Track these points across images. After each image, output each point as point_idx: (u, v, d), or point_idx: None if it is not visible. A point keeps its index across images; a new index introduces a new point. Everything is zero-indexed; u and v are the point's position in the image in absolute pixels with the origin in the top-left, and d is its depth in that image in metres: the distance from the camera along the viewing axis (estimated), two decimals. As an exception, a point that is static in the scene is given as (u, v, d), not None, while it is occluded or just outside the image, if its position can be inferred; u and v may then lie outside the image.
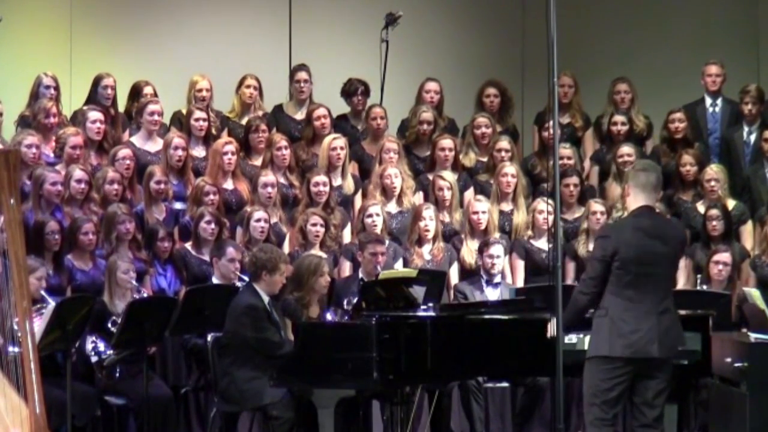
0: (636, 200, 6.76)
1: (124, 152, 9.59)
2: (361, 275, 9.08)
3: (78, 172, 9.16)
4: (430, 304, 8.10)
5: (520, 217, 9.82)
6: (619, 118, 10.52)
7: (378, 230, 9.41)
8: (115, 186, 9.30)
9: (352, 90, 10.70)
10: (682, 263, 9.62)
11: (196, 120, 10.07)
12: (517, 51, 12.13)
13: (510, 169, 9.91)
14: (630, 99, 10.71)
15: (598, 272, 6.67)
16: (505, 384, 9.14)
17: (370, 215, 9.47)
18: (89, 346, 8.22)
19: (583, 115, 10.76)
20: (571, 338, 7.33)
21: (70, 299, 8.29)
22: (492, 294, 9.20)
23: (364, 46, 11.39)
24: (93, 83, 10.23)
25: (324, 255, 9.15)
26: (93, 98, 10.19)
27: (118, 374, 8.35)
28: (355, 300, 8.20)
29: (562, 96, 10.44)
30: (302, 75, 10.66)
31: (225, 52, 11.59)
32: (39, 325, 7.47)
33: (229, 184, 9.79)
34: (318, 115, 10.28)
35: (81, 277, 8.82)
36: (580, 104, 10.66)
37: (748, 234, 9.95)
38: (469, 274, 9.53)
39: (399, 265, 9.42)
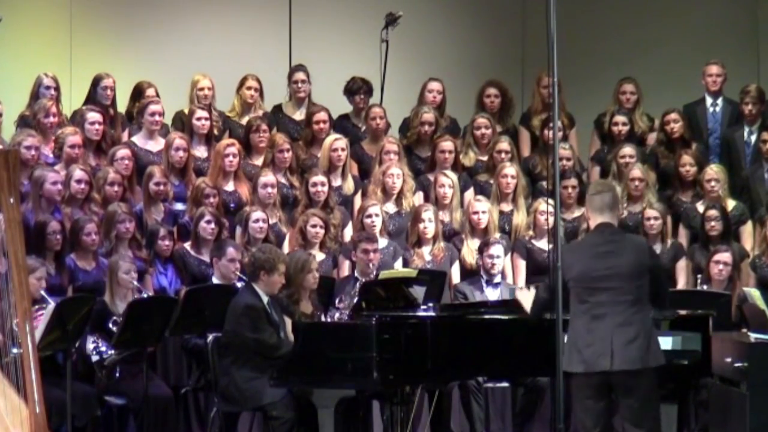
0: (595, 221, 6.88)
1: (122, 152, 9.59)
2: (356, 274, 9.09)
3: (78, 172, 9.17)
4: (430, 304, 8.11)
5: (520, 218, 9.83)
6: (620, 118, 10.52)
7: (377, 230, 9.42)
8: (116, 187, 9.30)
9: (355, 89, 10.71)
10: (683, 263, 9.64)
11: (198, 119, 10.07)
12: (517, 51, 12.14)
13: (510, 169, 9.91)
14: (635, 100, 10.71)
15: (539, 296, 7.03)
16: (505, 384, 9.14)
17: (370, 215, 9.47)
18: (90, 346, 8.22)
19: (568, 114, 10.73)
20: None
21: (70, 299, 8.29)
22: (492, 294, 9.20)
23: (364, 46, 11.39)
24: (92, 83, 10.23)
25: (318, 254, 9.15)
26: (92, 98, 10.19)
27: (118, 374, 8.35)
28: (347, 299, 8.21)
29: (547, 96, 10.43)
30: (300, 75, 10.66)
31: (225, 52, 11.59)
32: (39, 325, 7.47)
33: (230, 186, 9.79)
34: (318, 119, 10.27)
35: (84, 277, 8.82)
36: (564, 103, 10.60)
37: (748, 234, 9.95)
38: (469, 274, 9.54)
39: (399, 265, 9.43)
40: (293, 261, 8.48)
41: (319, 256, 9.19)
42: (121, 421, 8.52)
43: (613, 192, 6.98)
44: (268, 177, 9.63)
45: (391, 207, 9.87)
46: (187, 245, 9.28)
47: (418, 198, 10.02)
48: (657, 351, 6.75)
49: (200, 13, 11.90)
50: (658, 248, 9.61)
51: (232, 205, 9.74)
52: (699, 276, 9.31)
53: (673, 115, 10.46)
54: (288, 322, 8.27)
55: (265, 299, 8.12)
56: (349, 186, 10.05)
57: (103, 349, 8.22)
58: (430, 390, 8.55)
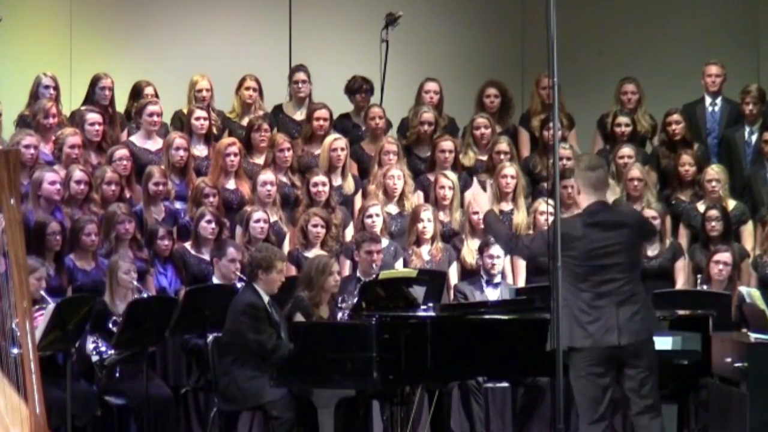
0: (588, 198, 6.87)
1: (121, 152, 9.59)
2: (358, 274, 9.10)
3: (78, 173, 9.17)
4: (430, 304, 8.10)
5: (520, 217, 9.83)
6: (622, 119, 10.51)
7: (378, 230, 9.42)
8: (113, 186, 9.30)
9: (356, 87, 10.72)
10: (681, 263, 9.64)
11: (197, 119, 10.08)
12: (517, 51, 12.14)
13: (509, 169, 9.91)
14: (636, 100, 10.71)
15: (536, 245, 6.98)
16: (505, 384, 9.14)
17: (370, 215, 9.48)
18: (90, 346, 8.22)
19: (567, 115, 10.72)
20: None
21: (70, 299, 8.29)
22: (492, 294, 9.20)
23: (364, 46, 11.40)
24: (90, 83, 10.23)
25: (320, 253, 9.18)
26: (91, 98, 10.20)
27: (118, 374, 8.35)
28: (350, 299, 8.21)
29: (546, 97, 10.42)
30: (300, 75, 10.67)
31: (225, 52, 11.60)
32: (39, 325, 7.48)
33: (231, 184, 9.80)
34: (318, 116, 10.28)
35: (83, 277, 8.82)
36: (564, 103, 10.57)
37: (748, 234, 9.95)
38: (469, 274, 9.54)
39: (399, 265, 9.43)
40: (314, 264, 8.51)
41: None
42: (121, 421, 8.53)
43: (605, 168, 7.05)
44: (267, 175, 9.63)
45: (392, 208, 9.88)
46: (188, 245, 9.28)
47: (418, 198, 10.03)
48: (654, 317, 6.93)
49: (200, 14, 11.91)
50: (657, 248, 9.63)
51: (234, 203, 9.75)
52: (699, 276, 9.31)
53: (675, 116, 10.46)
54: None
55: (266, 299, 8.13)
56: (349, 185, 10.05)
57: (103, 349, 8.22)
58: (430, 390, 8.56)
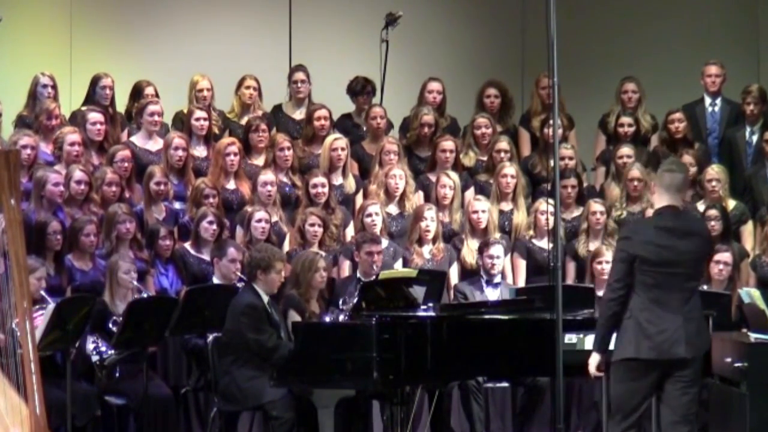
0: (660, 200, 6.67)
1: (122, 154, 9.58)
2: (358, 275, 9.10)
3: (78, 173, 9.16)
4: (430, 304, 8.11)
5: (520, 217, 9.83)
6: (626, 119, 10.51)
7: (377, 230, 9.42)
8: (113, 188, 9.30)
9: (359, 89, 10.72)
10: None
11: (197, 119, 10.08)
12: (517, 51, 12.14)
13: (509, 169, 9.92)
14: (637, 99, 10.70)
15: (621, 274, 6.56)
16: (505, 384, 9.14)
17: (370, 215, 9.48)
18: (90, 346, 8.21)
19: (567, 115, 10.70)
20: (571, 338, 7.34)
21: (70, 299, 8.28)
22: (492, 294, 9.20)
23: (364, 46, 11.40)
24: (91, 83, 10.23)
25: (322, 253, 9.16)
26: (91, 98, 10.20)
27: (118, 374, 8.35)
28: (351, 300, 8.21)
29: (546, 97, 10.42)
30: (300, 75, 10.67)
31: (225, 52, 11.60)
32: (39, 325, 7.48)
33: (231, 184, 9.80)
34: (319, 116, 10.28)
35: (81, 277, 8.81)
36: (564, 104, 10.55)
37: (748, 234, 9.96)
38: (469, 274, 9.54)
39: (399, 264, 9.43)
40: (300, 260, 8.55)
41: (319, 255, 9.20)
42: (121, 421, 8.52)
43: (685, 174, 6.79)
44: (267, 175, 9.64)
45: (393, 208, 9.87)
46: (187, 245, 9.28)
47: (418, 198, 10.03)
48: (708, 334, 6.77)
49: (200, 14, 11.91)
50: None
51: (234, 203, 9.75)
52: (699, 276, 9.30)
53: (678, 115, 10.48)
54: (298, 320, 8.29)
55: (266, 299, 8.13)
56: (350, 185, 10.05)
57: (103, 349, 8.21)
58: (430, 390, 8.56)
